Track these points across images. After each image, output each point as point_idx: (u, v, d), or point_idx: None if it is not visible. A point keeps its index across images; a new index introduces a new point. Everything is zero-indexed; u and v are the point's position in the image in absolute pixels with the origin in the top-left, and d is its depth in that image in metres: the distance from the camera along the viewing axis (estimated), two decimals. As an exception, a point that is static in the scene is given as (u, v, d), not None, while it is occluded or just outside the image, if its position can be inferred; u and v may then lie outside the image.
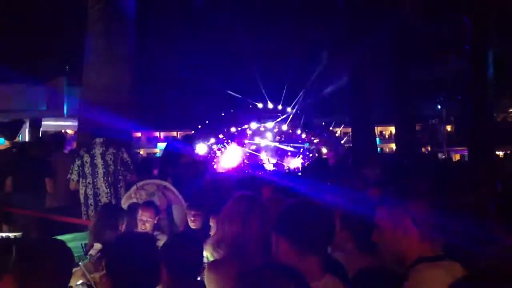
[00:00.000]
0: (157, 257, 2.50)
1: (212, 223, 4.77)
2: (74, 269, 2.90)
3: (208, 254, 4.35)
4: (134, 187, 6.10)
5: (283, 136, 30.21)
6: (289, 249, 2.33)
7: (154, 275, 2.42)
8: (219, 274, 2.78)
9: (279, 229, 2.42)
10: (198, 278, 3.24)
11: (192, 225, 5.01)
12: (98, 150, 6.76)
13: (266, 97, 32.46)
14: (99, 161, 6.72)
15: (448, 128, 37.03)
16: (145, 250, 2.44)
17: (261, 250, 2.67)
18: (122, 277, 2.35)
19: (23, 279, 2.10)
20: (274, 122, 30.87)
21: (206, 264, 4.09)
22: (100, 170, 6.71)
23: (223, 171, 23.66)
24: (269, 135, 30.09)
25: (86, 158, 6.76)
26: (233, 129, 31.10)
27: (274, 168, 25.74)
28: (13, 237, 5.25)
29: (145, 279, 2.38)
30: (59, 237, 4.59)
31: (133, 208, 5.47)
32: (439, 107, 33.24)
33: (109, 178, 6.70)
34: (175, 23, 20.27)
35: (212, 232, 4.69)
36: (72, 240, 4.67)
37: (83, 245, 4.30)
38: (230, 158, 29.56)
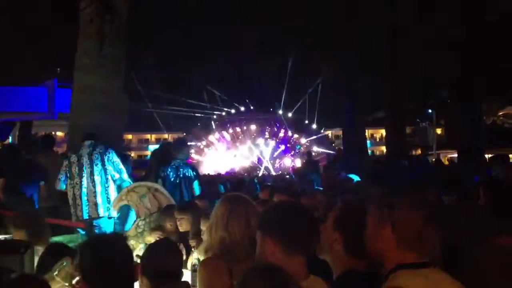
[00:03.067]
0: (128, 256, 2.51)
1: (203, 227, 4.78)
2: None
3: (200, 257, 4.38)
4: (125, 189, 6.10)
5: (275, 138, 30.33)
6: (275, 248, 2.36)
7: (127, 275, 2.45)
8: (211, 270, 2.84)
9: (265, 229, 2.45)
10: (189, 278, 3.27)
11: (180, 228, 5.02)
12: (85, 151, 6.76)
13: (258, 100, 32.57)
14: (85, 160, 6.71)
15: (438, 131, 37.25)
16: (116, 249, 2.45)
17: (248, 249, 2.71)
18: (96, 278, 2.37)
19: None
20: (266, 124, 30.98)
21: (196, 266, 4.13)
22: (87, 170, 6.69)
23: (214, 173, 23.74)
24: (260, 139, 30.23)
25: (73, 159, 6.75)
26: (224, 132, 31.15)
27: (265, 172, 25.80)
28: (3, 239, 5.23)
29: (119, 278, 2.39)
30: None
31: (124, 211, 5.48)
32: (429, 110, 33.46)
33: (96, 178, 6.69)
34: (168, 25, 20.26)
35: (203, 236, 4.69)
36: (66, 243, 4.66)
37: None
38: (220, 160, 29.60)
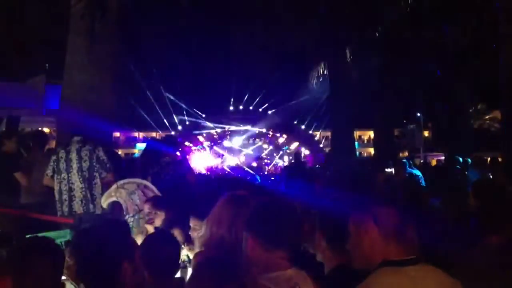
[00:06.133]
0: (124, 243, 2.47)
1: (192, 223, 4.78)
2: None
3: (189, 253, 4.39)
4: (114, 186, 6.09)
5: (262, 138, 30.33)
6: (254, 244, 2.44)
7: (118, 260, 2.39)
8: None
9: (246, 226, 2.54)
10: (178, 274, 3.28)
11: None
12: (74, 147, 6.73)
13: (245, 100, 32.60)
14: (73, 156, 6.68)
15: (426, 133, 37.49)
16: (110, 235, 2.41)
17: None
18: (85, 259, 2.34)
19: (18, 279, 2.09)
20: (253, 124, 30.97)
21: (186, 262, 4.14)
22: (75, 165, 6.66)
23: (202, 172, 23.70)
24: (248, 138, 30.23)
25: (62, 154, 6.72)
26: (213, 132, 31.12)
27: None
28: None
29: (108, 263, 2.34)
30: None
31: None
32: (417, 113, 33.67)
33: (84, 173, 6.66)
34: (158, 23, 20.25)
35: (192, 233, 4.70)
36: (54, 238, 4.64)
37: (62, 242, 4.29)
38: (208, 159, 29.55)
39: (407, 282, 2.17)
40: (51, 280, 2.21)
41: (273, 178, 17.05)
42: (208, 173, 22.56)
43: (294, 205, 2.78)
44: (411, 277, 2.20)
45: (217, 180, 12.94)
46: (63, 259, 2.42)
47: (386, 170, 12.21)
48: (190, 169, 7.73)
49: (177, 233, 4.80)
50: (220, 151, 30.04)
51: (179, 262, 3.18)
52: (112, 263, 2.26)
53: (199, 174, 19.62)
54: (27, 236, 4.23)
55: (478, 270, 2.98)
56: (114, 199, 5.99)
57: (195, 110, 32.59)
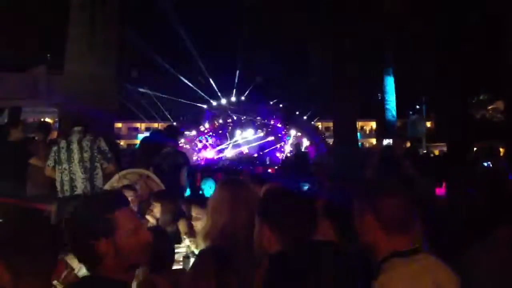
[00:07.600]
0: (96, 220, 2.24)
1: (193, 212, 4.79)
2: None
3: (192, 246, 4.37)
4: (116, 176, 6.08)
5: (265, 129, 30.31)
6: (271, 235, 2.36)
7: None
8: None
9: (263, 216, 2.44)
10: (181, 266, 3.27)
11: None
12: (75, 137, 6.69)
13: (247, 90, 32.56)
14: (75, 146, 6.64)
15: (428, 124, 37.47)
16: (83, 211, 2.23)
17: (249, 238, 2.60)
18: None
19: (10, 261, 2.02)
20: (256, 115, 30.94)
21: (189, 253, 4.12)
22: (76, 156, 6.63)
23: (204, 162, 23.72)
24: (250, 129, 30.21)
25: (63, 144, 6.69)
26: (215, 122, 31.09)
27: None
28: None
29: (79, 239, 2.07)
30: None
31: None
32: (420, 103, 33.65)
33: (85, 164, 6.63)
34: (159, 13, 20.19)
35: (194, 222, 4.71)
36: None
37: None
38: (211, 150, 29.59)
39: (421, 270, 2.16)
40: (47, 258, 2.12)
41: (269, 171, 17.04)
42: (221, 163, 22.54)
43: (311, 195, 2.72)
44: (423, 265, 2.18)
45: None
46: (60, 234, 2.32)
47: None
48: (188, 160, 7.70)
49: (181, 223, 4.81)
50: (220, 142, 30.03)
51: (173, 257, 3.12)
52: (82, 240, 2.11)
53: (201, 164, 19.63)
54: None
55: (488, 263, 2.96)
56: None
57: (196, 101, 32.57)
